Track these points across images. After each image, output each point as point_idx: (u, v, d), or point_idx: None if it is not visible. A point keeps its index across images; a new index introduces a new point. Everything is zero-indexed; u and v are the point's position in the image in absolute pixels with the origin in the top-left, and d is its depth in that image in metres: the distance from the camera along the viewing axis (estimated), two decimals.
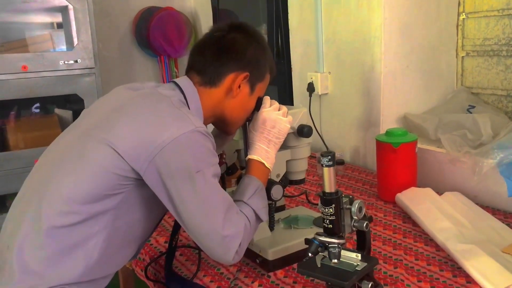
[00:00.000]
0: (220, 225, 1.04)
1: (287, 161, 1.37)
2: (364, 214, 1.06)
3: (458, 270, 1.23)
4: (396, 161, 1.68)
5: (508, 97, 1.95)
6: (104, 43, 3.25)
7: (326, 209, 1.03)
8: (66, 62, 2.80)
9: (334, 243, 1.02)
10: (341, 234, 1.04)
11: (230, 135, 1.35)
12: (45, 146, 3.18)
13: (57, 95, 2.83)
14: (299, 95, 2.51)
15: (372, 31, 1.99)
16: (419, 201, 1.56)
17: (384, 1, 1.92)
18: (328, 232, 1.04)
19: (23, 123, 2.97)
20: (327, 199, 1.02)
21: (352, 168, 2.11)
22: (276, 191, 1.28)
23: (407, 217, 1.58)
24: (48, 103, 3.03)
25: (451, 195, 1.63)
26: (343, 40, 2.16)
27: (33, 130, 2.88)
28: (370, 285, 1.03)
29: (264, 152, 1.21)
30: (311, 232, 1.34)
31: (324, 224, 1.04)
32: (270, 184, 1.28)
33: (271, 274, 1.28)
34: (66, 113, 2.99)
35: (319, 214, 1.49)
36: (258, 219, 1.16)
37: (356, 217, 1.03)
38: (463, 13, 2.07)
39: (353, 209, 1.03)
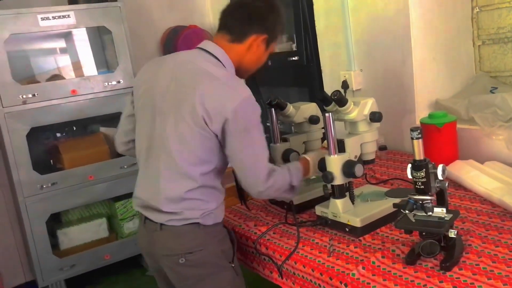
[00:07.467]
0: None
1: (361, 144, 1.62)
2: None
3: None
4: (441, 139, 1.93)
5: None
6: (137, 62, 3.47)
7: (418, 173, 1.28)
8: (109, 83, 3.03)
9: (427, 199, 1.27)
10: (430, 193, 1.29)
11: (242, 78, 1.64)
12: (96, 163, 3.36)
13: (103, 114, 3.05)
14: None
15: (401, 29, 2.25)
16: (467, 170, 1.82)
17: (410, 2, 2.19)
18: (420, 192, 1.28)
19: (73, 143, 3.19)
20: (418, 165, 1.28)
21: (393, 152, 2.37)
22: (358, 169, 1.52)
23: (457, 185, 1.83)
24: (96, 122, 3.25)
25: (492, 164, 1.88)
26: (373, 40, 2.43)
27: (82, 149, 3.08)
28: (456, 232, 1.28)
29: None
30: (387, 202, 1.60)
31: (416, 186, 1.29)
32: (352, 163, 1.53)
33: (361, 238, 1.52)
34: (110, 131, 3.21)
35: (386, 189, 1.74)
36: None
37: (441, 178, 1.28)
38: (476, 7, 2.35)
39: (438, 171, 1.28)
